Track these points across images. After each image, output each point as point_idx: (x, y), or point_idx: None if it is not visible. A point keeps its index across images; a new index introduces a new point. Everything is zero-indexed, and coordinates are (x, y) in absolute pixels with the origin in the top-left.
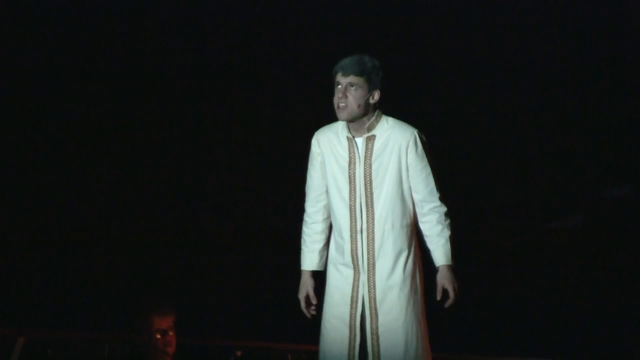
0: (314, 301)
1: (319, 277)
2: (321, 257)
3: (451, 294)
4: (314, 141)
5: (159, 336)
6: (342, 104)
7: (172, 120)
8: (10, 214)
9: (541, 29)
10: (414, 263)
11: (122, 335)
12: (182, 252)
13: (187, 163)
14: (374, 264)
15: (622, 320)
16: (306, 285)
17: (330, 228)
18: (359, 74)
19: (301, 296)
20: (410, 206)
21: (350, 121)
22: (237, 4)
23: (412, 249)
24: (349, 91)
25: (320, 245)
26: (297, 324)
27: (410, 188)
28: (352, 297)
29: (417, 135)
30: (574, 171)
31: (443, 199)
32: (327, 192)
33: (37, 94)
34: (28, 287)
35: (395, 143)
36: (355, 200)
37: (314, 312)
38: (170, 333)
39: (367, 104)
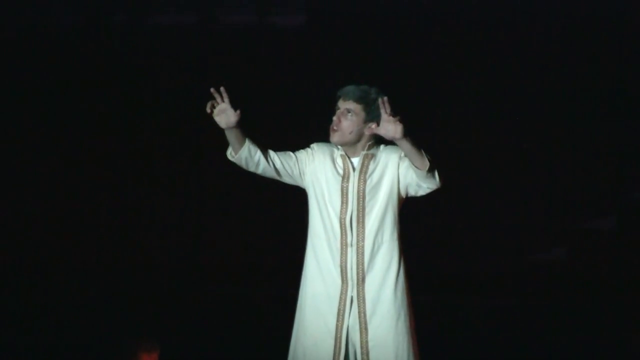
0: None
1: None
2: (251, 144)
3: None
4: (312, 146)
5: None
6: (335, 128)
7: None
8: None
9: (543, 51)
10: (403, 277)
11: None
12: (169, 286)
13: (180, 197)
14: (363, 278)
15: (607, 352)
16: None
17: (263, 166)
18: (358, 100)
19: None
20: (398, 219)
21: (341, 145)
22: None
23: (401, 263)
24: (344, 116)
25: (258, 149)
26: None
27: (398, 202)
28: (339, 309)
29: None
30: (559, 202)
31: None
32: (312, 206)
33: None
34: (7, 319)
35: (389, 157)
36: (346, 213)
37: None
38: None
39: (360, 133)
